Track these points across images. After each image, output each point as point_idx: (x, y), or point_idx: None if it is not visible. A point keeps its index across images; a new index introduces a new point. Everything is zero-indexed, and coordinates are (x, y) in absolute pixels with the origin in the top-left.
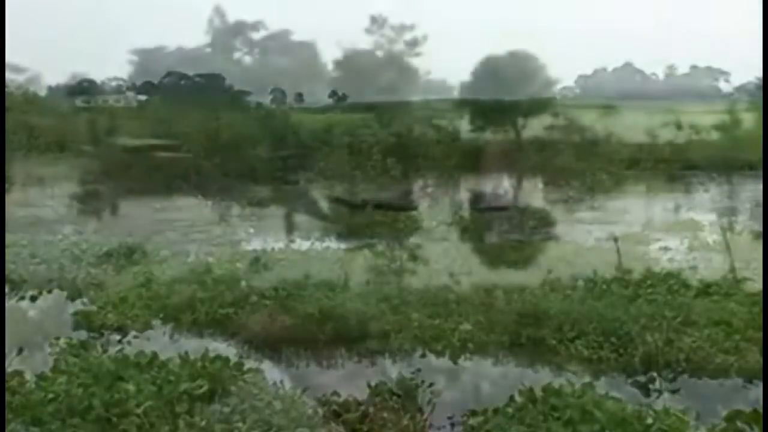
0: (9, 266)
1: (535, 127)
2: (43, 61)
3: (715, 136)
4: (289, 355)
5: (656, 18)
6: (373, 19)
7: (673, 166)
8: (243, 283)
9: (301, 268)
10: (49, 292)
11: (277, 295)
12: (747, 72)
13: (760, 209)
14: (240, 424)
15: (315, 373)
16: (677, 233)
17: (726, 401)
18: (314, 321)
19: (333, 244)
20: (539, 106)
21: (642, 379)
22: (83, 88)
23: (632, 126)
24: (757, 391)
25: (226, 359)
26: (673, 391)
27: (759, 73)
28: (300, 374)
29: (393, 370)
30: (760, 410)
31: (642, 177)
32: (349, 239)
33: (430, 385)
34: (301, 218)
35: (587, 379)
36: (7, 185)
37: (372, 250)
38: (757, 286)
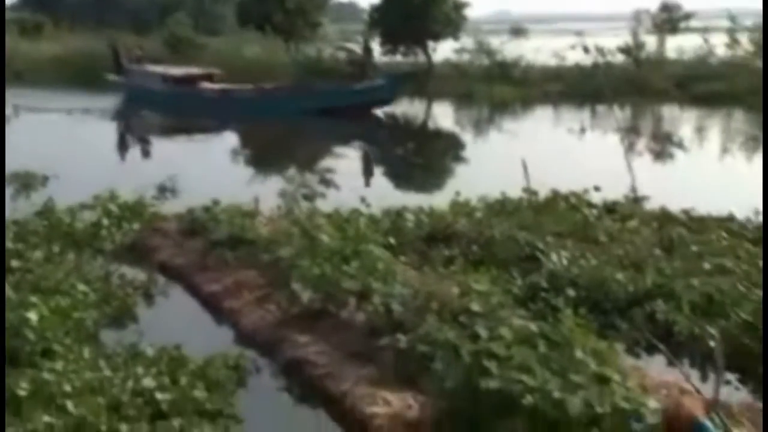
0: None
1: (445, 50)
2: None
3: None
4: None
5: None
6: None
7: (580, 89)
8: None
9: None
10: None
11: None
12: None
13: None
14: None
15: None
16: (581, 154)
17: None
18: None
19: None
20: (449, 29)
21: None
22: None
23: (540, 49)
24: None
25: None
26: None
27: None
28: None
29: None
30: None
31: (550, 99)
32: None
33: None
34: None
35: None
36: None
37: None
38: (655, 204)
